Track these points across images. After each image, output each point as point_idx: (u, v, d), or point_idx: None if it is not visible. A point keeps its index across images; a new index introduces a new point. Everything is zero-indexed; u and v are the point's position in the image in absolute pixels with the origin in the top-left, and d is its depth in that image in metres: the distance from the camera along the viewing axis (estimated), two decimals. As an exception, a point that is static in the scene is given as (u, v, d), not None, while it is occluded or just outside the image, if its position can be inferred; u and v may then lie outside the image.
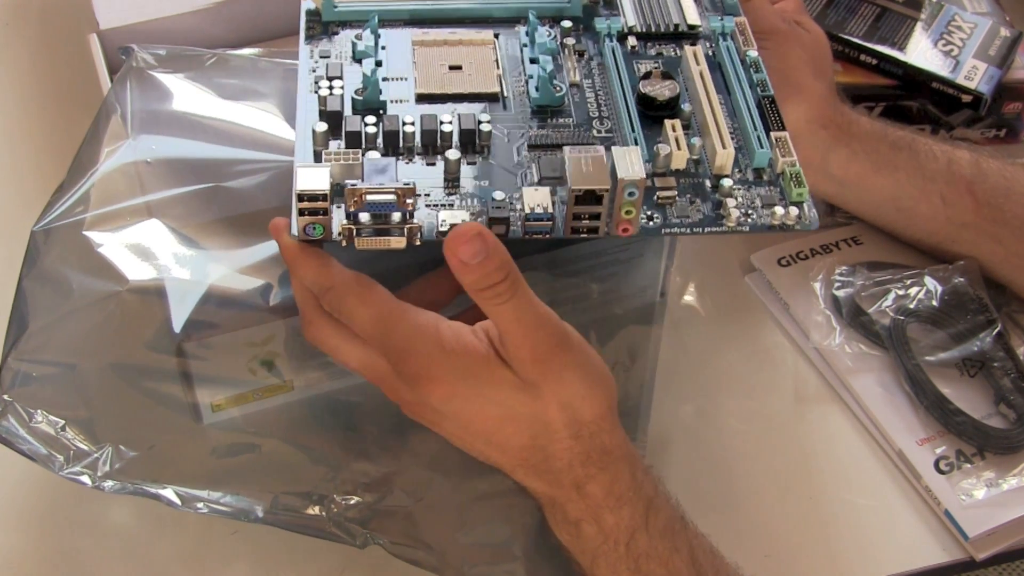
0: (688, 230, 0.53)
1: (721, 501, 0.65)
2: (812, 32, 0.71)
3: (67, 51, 0.79)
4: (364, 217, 0.50)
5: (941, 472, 0.66)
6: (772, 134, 0.56)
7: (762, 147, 0.55)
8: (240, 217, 0.58)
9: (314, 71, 0.57)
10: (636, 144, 0.54)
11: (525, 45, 0.60)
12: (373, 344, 0.50)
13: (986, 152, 0.70)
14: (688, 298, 0.69)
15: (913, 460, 0.66)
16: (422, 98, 0.56)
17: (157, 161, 0.59)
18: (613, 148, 0.52)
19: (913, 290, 0.71)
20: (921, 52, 0.79)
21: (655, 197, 0.54)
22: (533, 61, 0.58)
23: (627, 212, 0.52)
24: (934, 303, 0.70)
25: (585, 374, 0.50)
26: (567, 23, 0.61)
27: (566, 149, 0.51)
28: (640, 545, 0.51)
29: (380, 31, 0.60)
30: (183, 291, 0.55)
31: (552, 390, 0.49)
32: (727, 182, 0.54)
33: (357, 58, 0.58)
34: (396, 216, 0.49)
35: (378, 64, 0.57)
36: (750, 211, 0.54)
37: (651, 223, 0.53)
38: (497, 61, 0.58)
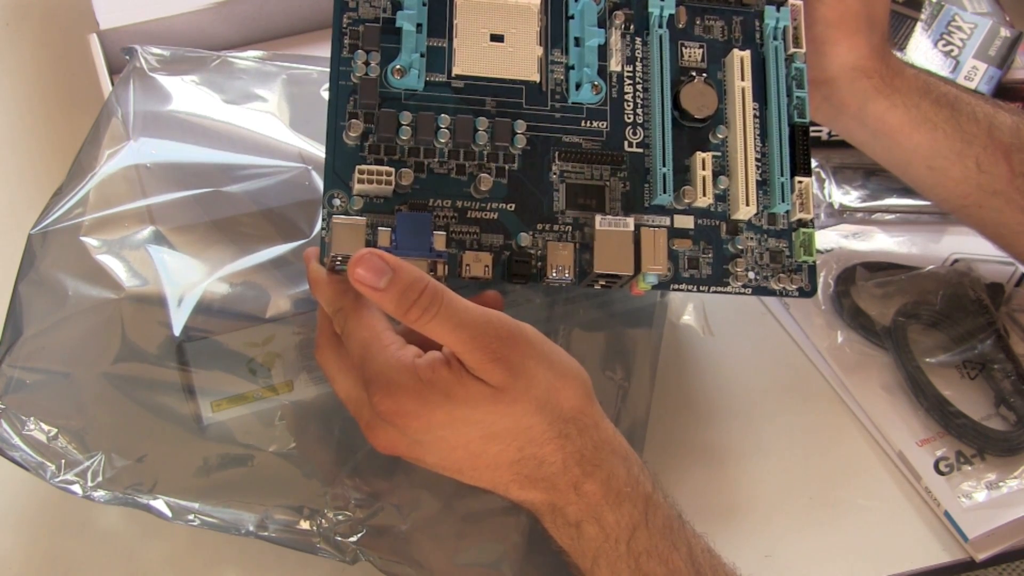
0: (695, 288, 0.55)
1: (721, 501, 0.65)
2: None
3: (67, 51, 0.79)
4: None
5: (941, 473, 0.66)
6: (796, 179, 0.56)
7: (783, 200, 0.55)
8: (240, 223, 0.58)
9: (347, 33, 0.54)
10: (664, 165, 0.54)
11: (571, 16, 0.56)
12: (357, 367, 0.51)
13: None
14: (688, 300, 0.69)
15: (913, 461, 0.66)
16: (459, 79, 0.55)
17: (157, 165, 0.59)
18: (642, 229, 0.53)
19: (913, 291, 0.71)
20: (921, 52, 0.79)
21: (671, 243, 0.55)
22: (577, 42, 0.56)
23: (642, 287, 0.53)
24: (935, 305, 0.70)
25: (551, 363, 0.51)
26: None
27: (597, 218, 0.53)
28: (641, 542, 0.52)
29: None
30: (181, 297, 0.55)
31: (524, 388, 0.49)
32: (741, 240, 0.55)
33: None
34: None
35: (418, 28, 0.54)
36: (757, 267, 0.55)
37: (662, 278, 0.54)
38: (539, 34, 0.56)
